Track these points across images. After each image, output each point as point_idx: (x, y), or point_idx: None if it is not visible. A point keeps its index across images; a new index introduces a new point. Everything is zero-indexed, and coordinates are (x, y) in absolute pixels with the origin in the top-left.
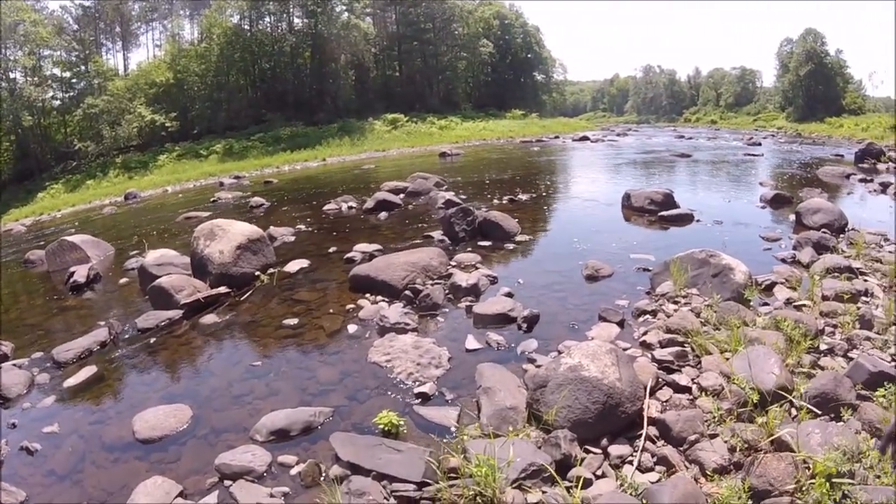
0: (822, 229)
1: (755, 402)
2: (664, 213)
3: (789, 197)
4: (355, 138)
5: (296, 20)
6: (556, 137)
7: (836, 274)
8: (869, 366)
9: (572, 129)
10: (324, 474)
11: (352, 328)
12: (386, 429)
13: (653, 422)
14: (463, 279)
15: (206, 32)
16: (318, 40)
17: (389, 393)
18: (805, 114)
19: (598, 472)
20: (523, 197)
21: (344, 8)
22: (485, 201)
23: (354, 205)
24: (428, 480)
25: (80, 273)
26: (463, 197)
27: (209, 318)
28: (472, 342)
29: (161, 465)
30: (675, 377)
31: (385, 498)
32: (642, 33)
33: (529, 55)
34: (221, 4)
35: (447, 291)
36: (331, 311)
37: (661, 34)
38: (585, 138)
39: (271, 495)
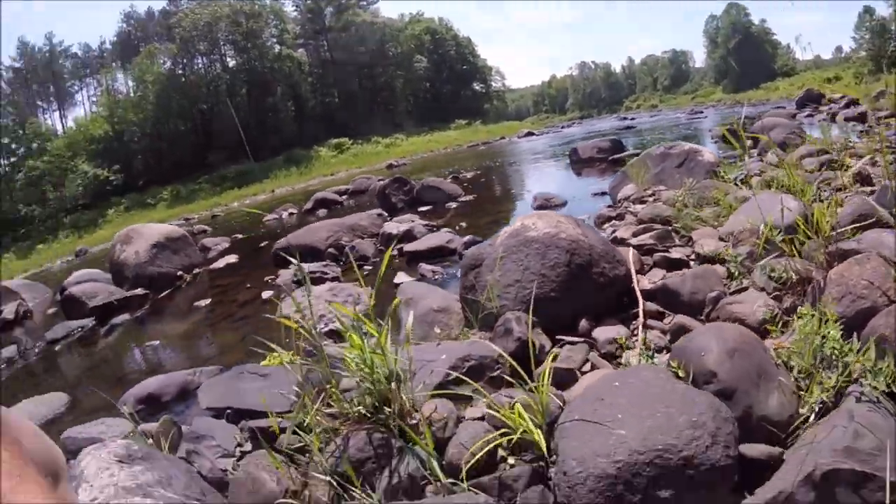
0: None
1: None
2: (614, 156)
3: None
4: (302, 167)
5: (228, 59)
6: (503, 138)
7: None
8: None
9: (517, 130)
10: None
11: (266, 294)
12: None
13: (650, 296)
14: (394, 228)
15: (140, 81)
16: (252, 75)
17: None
18: (740, 83)
19: (584, 368)
20: (468, 175)
21: (274, 41)
22: None
23: (294, 210)
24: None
25: (9, 310)
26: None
27: (121, 318)
28: (401, 277)
29: None
30: (665, 255)
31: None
32: (572, 35)
33: (465, 66)
34: (151, 50)
35: (378, 245)
36: (248, 286)
37: (591, 32)
38: (531, 133)
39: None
